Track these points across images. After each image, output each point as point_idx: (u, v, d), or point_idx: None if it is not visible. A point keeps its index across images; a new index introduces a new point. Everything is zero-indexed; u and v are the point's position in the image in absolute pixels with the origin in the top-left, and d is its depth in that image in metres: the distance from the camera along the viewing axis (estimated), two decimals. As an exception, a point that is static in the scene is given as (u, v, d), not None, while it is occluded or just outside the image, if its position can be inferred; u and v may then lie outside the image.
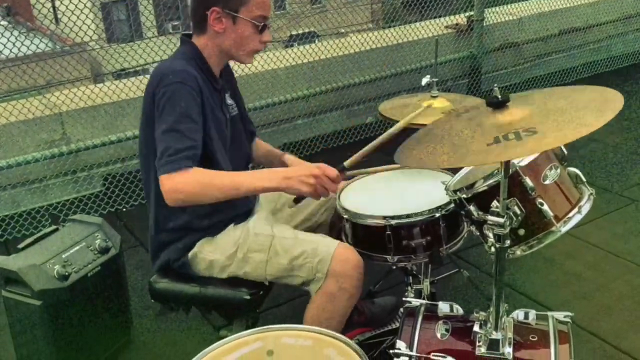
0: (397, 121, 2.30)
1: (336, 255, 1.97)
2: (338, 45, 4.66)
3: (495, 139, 1.47)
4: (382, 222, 2.05)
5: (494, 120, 1.51)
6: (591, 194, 1.81)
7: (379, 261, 2.12)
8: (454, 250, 2.14)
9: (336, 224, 2.33)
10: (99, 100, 3.83)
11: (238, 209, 2.13)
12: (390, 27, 5.16)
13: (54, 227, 2.57)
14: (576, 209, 1.78)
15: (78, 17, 3.82)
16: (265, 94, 4.24)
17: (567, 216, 1.76)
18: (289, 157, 2.36)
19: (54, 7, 4.50)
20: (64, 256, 2.39)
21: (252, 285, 2.08)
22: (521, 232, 1.73)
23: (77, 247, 2.46)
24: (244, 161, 2.26)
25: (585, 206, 1.79)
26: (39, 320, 2.31)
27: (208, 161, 1.96)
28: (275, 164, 2.33)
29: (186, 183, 1.84)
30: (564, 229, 1.73)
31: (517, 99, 1.55)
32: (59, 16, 4.16)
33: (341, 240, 2.16)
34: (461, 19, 5.23)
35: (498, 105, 1.47)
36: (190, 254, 2.09)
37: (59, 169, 3.68)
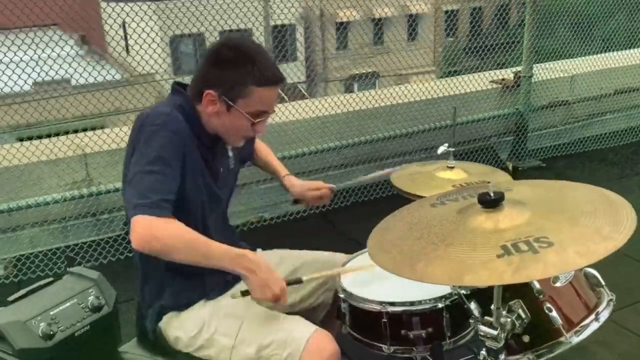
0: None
1: (309, 347, 1.76)
2: (374, 97, 4.53)
3: (504, 249, 1.25)
4: (378, 307, 1.86)
5: (490, 221, 1.30)
6: (611, 299, 1.59)
7: (374, 349, 1.91)
8: (460, 344, 1.93)
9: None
10: (123, 144, 3.79)
11: (209, 284, 1.96)
12: (447, 76, 5.02)
13: (50, 279, 2.48)
14: (593, 316, 1.56)
15: (154, 51, 4.05)
16: (296, 145, 4.14)
17: (582, 324, 1.54)
18: (289, 180, 2.29)
19: (125, 38, 4.60)
20: (52, 313, 2.27)
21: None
22: (525, 339, 1.52)
23: (68, 304, 2.33)
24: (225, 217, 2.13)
25: (604, 313, 1.57)
26: (19, 380, 2.20)
27: (179, 210, 1.77)
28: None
29: (165, 232, 1.68)
30: (576, 340, 1.51)
31: (509, 194, 1.35)
32: (131, 45, 4.37)
33: (341, 321, 1.98)
34: (507, 74, 5.03)
35: (492, 204, 1.28)
36: (160, 324, 1.96)
37: (79, 210, 3.64)
